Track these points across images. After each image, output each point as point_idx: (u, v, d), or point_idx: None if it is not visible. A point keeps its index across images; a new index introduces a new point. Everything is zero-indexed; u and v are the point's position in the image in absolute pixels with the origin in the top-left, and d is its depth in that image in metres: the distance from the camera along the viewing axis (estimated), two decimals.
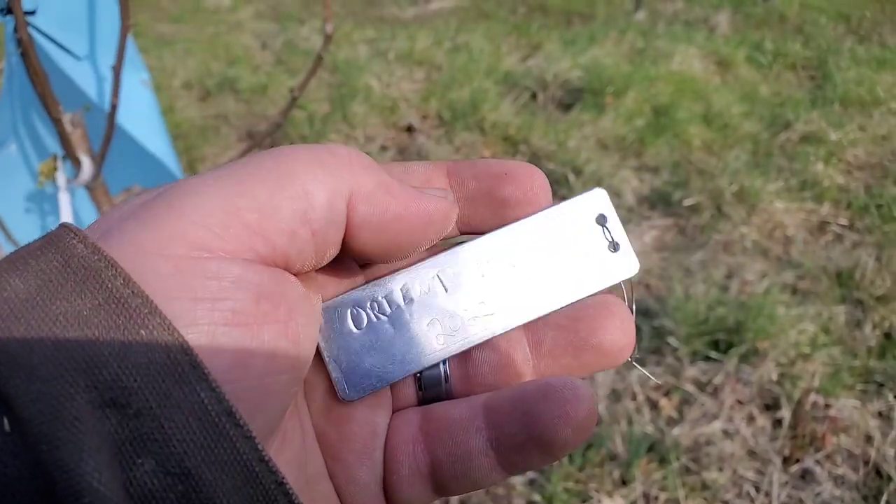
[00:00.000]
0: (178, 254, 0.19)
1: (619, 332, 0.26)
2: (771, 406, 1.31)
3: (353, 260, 0.27)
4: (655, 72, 2.74)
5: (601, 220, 0.26)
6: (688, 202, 1.96)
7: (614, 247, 0.27)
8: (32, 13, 0.73)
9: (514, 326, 0.26)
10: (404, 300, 0.26)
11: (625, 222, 2.10)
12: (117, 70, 0.75)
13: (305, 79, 0.80)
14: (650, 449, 1.22)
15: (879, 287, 1.59)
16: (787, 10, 3.80)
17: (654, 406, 1.32)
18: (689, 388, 1.34)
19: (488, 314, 0.26)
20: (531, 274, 0.26)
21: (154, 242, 0.19)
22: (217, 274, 0.19)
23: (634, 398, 1.32)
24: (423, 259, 0.27)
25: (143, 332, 0.18)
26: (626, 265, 0.27)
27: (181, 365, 0.18)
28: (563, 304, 0.26)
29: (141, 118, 0.89)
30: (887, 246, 1.74)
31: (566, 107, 2.61)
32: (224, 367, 0.19)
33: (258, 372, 0.20)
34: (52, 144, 0.88)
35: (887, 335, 1.47)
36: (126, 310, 0.18)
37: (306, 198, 0.21)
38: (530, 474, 1.18)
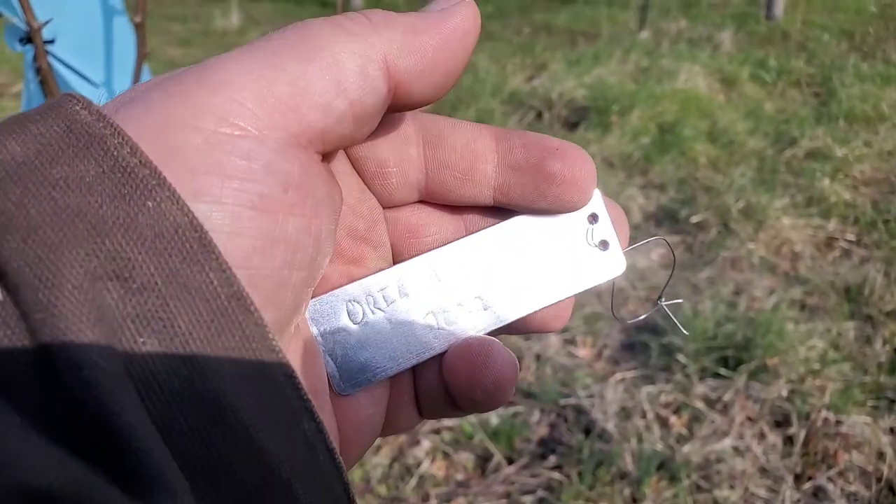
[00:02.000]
0: (209, 127, 0.18)
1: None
2: (782, 423, 1.31)
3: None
4: (660, 90, 2.76)
5: (593, 218, 0.27)
6: (694, 219, 1.97)
7: (604, 245, 0.27)
8: (51, 42, 0.75)
9: (507, 322, 0.26)
10: (400, 294, 0.26)
11: (631, 240, 2.08)
12: None
13: None
14: (660, 467, 1.21)
15: (889, 302, 1.58)
16: (791, 27, 3.83)
17: (663, 423, 1.31)
18: (699, 405, 1.34)
19: (481, 309, 0.26)
20: (524, 270, 0.26)
21: (183, 113, 0.18)
22: (248, 154, 0.19)
23: (644, 416, 1.32)
24: (420, 253, 0.27)
25: (150, 203, 0.17)
26: (614, 264, 0.27)
27: (189, 242, 0.17)
28: (552, 302, 0.26)
29: None
30: (895, 261, 1.74)
31: (572, 125, 2.63)
32: (244, 251, 0.18)
33: (277, 263, 0.19)
34: None
35: None
36: (132, 179, 0.17)
37: (337, 67, 0.20)
38: (540, 493, 1.18)
